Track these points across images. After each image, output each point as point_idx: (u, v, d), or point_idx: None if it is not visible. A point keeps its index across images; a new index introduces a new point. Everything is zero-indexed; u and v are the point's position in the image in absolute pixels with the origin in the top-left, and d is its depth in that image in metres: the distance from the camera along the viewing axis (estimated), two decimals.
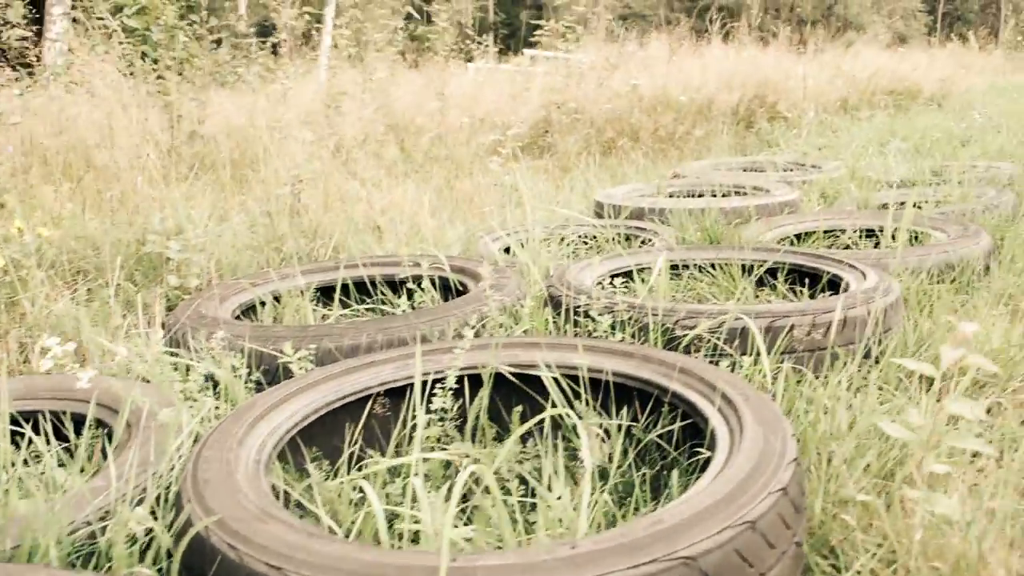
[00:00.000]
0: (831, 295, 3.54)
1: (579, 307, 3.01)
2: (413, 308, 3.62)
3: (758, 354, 2.67)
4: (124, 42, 7.90)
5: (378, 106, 6.97)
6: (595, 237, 4.75)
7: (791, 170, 7.21)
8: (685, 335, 2.77)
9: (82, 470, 2.21)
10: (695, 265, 3.88)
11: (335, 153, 5.48)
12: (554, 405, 2.32)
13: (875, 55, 14.60)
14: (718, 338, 2.72)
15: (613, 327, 2.88)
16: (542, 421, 2.42)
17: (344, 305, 3.78)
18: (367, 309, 3.78)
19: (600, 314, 2.93)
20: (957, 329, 1.83)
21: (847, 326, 2.85)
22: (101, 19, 8.10)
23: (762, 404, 2.03)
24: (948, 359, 1.80)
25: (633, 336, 2.86)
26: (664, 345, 2.81)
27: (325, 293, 3.78)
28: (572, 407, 2.38)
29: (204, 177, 5.16)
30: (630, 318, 2.89)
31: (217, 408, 2.48)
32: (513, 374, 2.47)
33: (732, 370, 2.64)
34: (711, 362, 2.73)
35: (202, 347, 2.73)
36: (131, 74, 8.62)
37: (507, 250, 4.63)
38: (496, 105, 8.20)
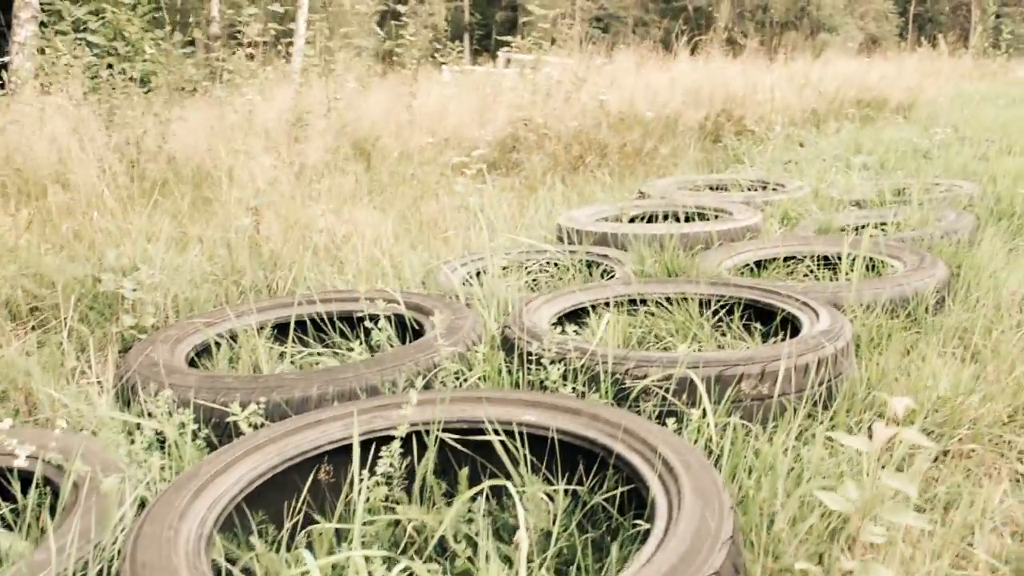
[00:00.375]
0: (784, 336, 3.57)
1: (532, 353, 3.02)
2: (371, 347, 3.62)
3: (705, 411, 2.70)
4: (89, 55, 7.85)
5: (344, 124, 6.94)
6: (557, 264, 4.77)
7: (755, 189, 7.26)
8: (636, 385, 2.78)
9: (29, 530, 2.21)
10: (653, 300, 3.90)
11: (298, 176, 5.46)
12: (499, 466, 2.33)
13: (845, 63, 14.71)
14: (667, 390, 2.74)
15: (565, 376, 2.89)
16: (495, 472, 2.43)
17: (302, 342, 3.77)
18: (324, 346, 3.77)
19: (552, 362, 2.94)
20: (890, 404, 1.85)
21: (797, 373, 2.88)
22: (64, 33, 8.04)
23: (703, 472, 2.05)
24: (879, 438, 1.82)
25: (585, 385, 2.88)
26: (615, 395, 2.83)
27: (282, 330, 3.76)
28: (520, 464, 2.39)
29: (164, 203, 5.12)
30: (582, 366, 2.90)
31: (164, 470, 2.47)
32: (461, 432, 2.47)
33: (680, 423, 2.66)
34: (660, 416, 2.75)
35: (152, 401, 2.72)
36: (95, 89, 8.57)
37: (473, 277, 4.64)
38: (464, 119, 8.19)
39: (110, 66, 8.33)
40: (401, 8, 8.85)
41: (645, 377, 2.79)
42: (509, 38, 9.84)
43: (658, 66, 11.74)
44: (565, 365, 2.93)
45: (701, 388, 2.55)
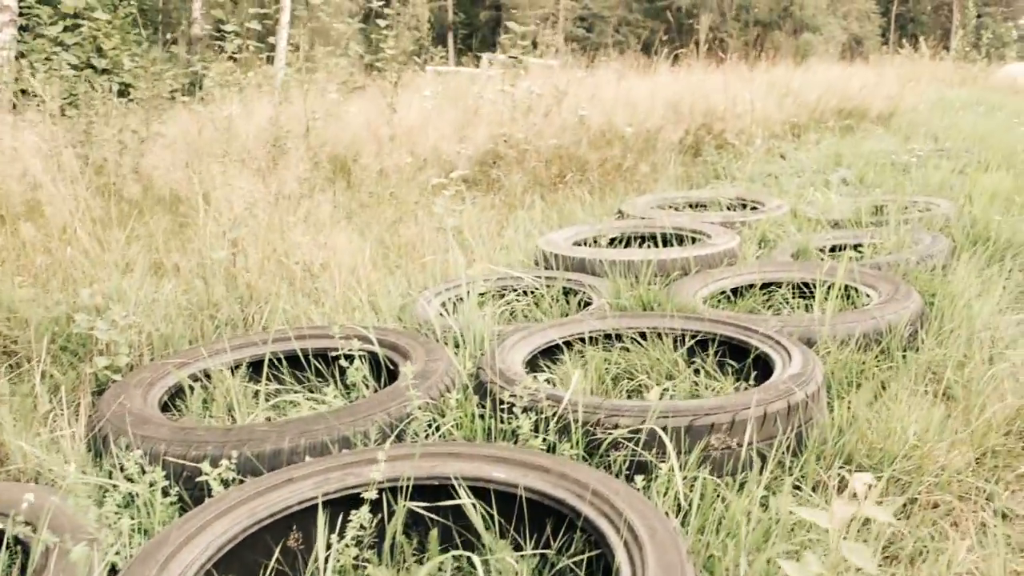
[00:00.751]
0: (757, 376, 3.60)
1: (504, 401, 3.03)
2: (346, 386, 3.62)
3: (678, 458, 2.72)
4: (67, 67, 7.80)
5: (322, 144, 6.93)
6: (536, 291, 4.79)
7: (735, 207, 7.29)
8: (608, 436, 2.79)
9: None
10: (628, 336, 3.91)
11: (276, 200, 5.45)
12: (469, 526, 2.34)
13: (826, 70, 14.78)
14: (637, 442, 2.75)
15: (536, 426, 2.90)
16: (461, 531, 2.45)
17: (277, 379, 3.77)
18: (300, 383, 3.77)
19: (525, 410, 2.95)
20: (851, 482, 1.87)
21: (767, 421, 2.90)
22: (43, 36, 7.98)
23: (667, 540, 2.06)
24: (839, 516, 1.84)
25: (557, 435, 2.89)
26: (586, 446, 2.84)
27: (257, 368, 3.76)
28: (487, 523, 2.40)
29: (139, 229, 5.10)
30: (554, 414, 2.91)
31: (136, 533, 2.47)
32: (431, 489, 2.48)
33: (650, 477, 2.68)
34: (631, 467, 2.76)
35: (123, 455, 2.72)
36: (74, 104, 8.51)
37: (444, 306, 4.65)
38: (444, 132, 8.19)
39: (88, 80, 8.29)
40: (380, 21, 8.76)
41: (616, 427, 2.80)
42: (493, 52, 9.82)
43: (639, 78, 11.76)
44: (537, 414, 2.94)
45: (669, 446, 2.57)
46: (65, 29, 7.94)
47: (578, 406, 2.88)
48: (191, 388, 3.44)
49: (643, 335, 3.91)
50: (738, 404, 2.89)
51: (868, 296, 4.52)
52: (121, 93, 8.82)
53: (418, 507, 2.42)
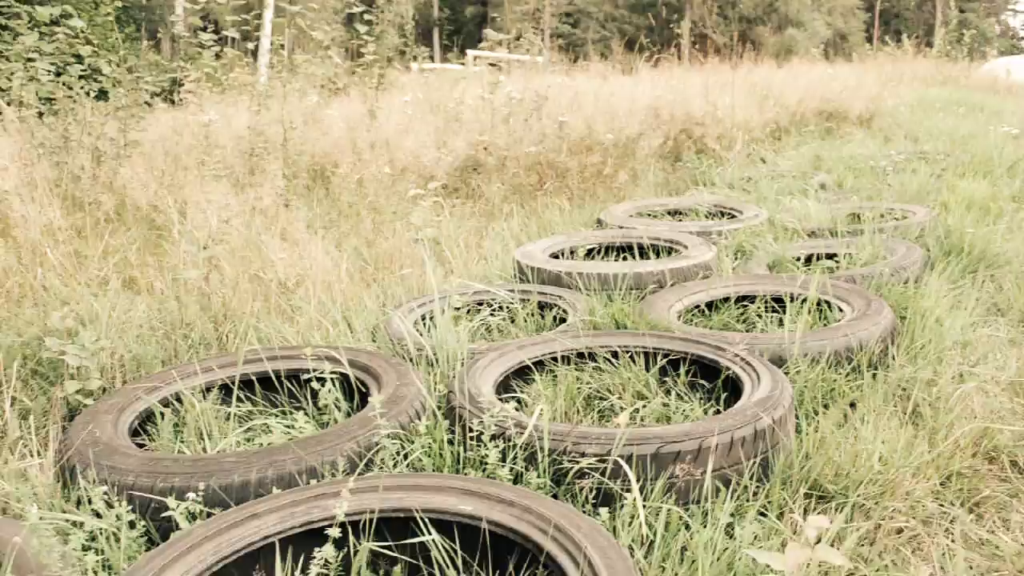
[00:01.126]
0: (727, 397, 3.62)
1: (472, 429, 3.04)
2: (318, 408, 3.63)
3: (645, 485, 2.75)
4: (44, 74, 7.75)
5: (299, 154, 6.92)
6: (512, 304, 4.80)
7: (713, 216, 7.32)
8: (572, 467, 2.81)
9: None
10: (601, 356, 3.93)
11: (252, 213, 5.44)
12: (432, 562, 2.35)
13: (807, 70, 14.82)
14: (603, 472, 2.77)
15: (504, 455, 2.92)
16: (426, 565, 2.46)
17: (250, 401, 3.77)
18: (272, 404, 3.78)
19: (493, 437, 2.96)
20: (803, 530, 1.89)
21: (734, 447, 2.92)
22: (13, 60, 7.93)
23: None
24: (793, 560, 1.86)
25: (525, 463, 2.90)
26: (553, 474, 2.86)
27: (230, 390, 3.76)
28: (451, 557, 2.42)
29: (113, 243, 5.09)
30: (522, 443, 2.93)
31: (101, 571, 2.47)
32: (397, 521, 2.50)
33: (614, 509, 2.70)
34: (597, 495, 2.78)
35: (90, 489, 2.72)
36: (53, 112, 8.47)
37: (421, 320, 4.65)
38: (425, 141, 8.19)
39: (66, 84, 8.24)
40: (360, 26, 8.74)
41: (583, 455, 2.82)
42: (479, 48, 9.84)
43: (622, 79, 11.76)
44: (505, 441, 2.95)
45: (632, 478, 2.58)
46: (41, 36, 7.88)
47: (545, 434, 2.89)
48: (161, 414, 3.43)
49: (615, 354, 3.93)
50: (704, 431, 2.91)
51: (841, 310, 4.55)
52: (100, 95, 8.77)
53: (379, 546, 2.43)
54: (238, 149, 6.80)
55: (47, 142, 7.42)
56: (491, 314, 4.83)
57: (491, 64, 9.24)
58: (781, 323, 4.50)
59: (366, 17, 9.45)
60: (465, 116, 8.75)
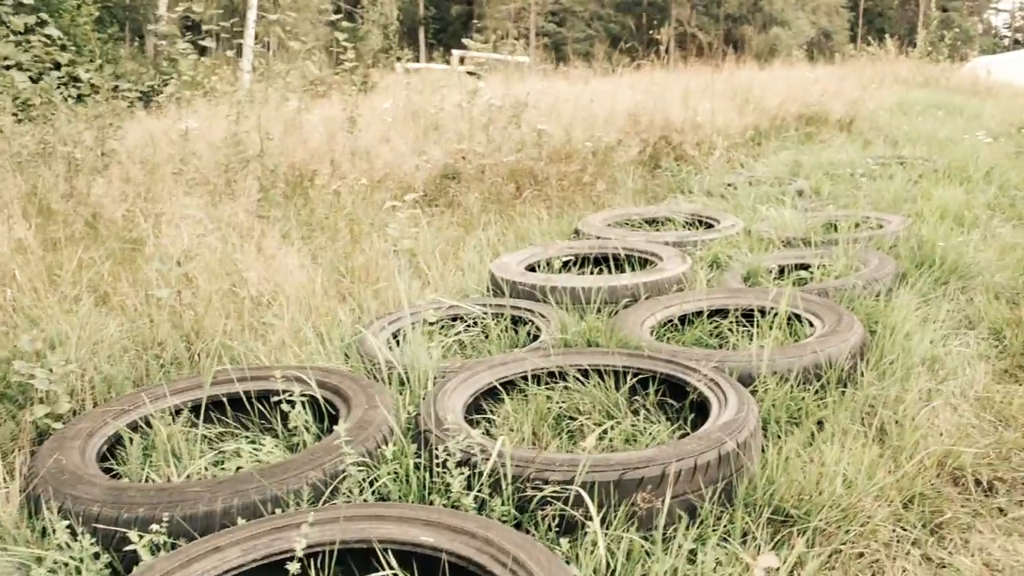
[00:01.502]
0: (695, 418, 3.64)
1: (438, 455, 3.05)
2: (288, 430, 3.64)
3: (608, 511, 2.77)
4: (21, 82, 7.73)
5: (276, 166, 6.92)
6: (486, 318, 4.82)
7: (690, 225, 7.36)
8: (536, 495, 2.82)
9: None
10: (571, 375, 3.95)
11: (227, 226, 5.44)
12: None
13: (787, 74, 14.87)
14: (566, 500, 2.79)
15: (470, 483, 2.93)
16: None
17: (220, 422, 3.77)
18: (243, 426, 3.78)
19: (459, 464, 2.98)
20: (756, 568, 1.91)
21: (698, 472, 2.94)
22: None
23: None
24: None
25: (491, 490, 2.91)
26: (517, 503, 2.87)
27: (200, 411, 3.76)
28: None
29: (86, 257, 5.08)
30: (486, 471, 2.94)
31: None
32: (359, 553, 2.51)
33: (576, 539, 2.72)
34: (561, 523, 2.80)
35: (55, 520, 2.72)
36: (31, 118, 8.44)
37: (395, 336, 4.67)
38: (403, 150, 8.19)
39: (44, 91, 8.22)
40: (339, 34, 8.73)
41: (546, 483, 2.84)
42: (464, 47, 9.84)
43: (603, 83, 11.78)
44: (471, 468, 2.97)
45: (592, 510, 2.60)
46: (17, 45, 7.84)
47: (508, 461, 2.91)
48: (130, 439, 3.43)
49: (586, 373, 3.95)
50: (668, 456, 2.93)
51: (812, 325, 4.58)
52: (79, 100, 8.74)
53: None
54: (215, 160, 6.78)
55: (23, 150, 7.41)
56: (465, 329, 4.85)
57: (470, 73, 9.23)
58: (754, 338, 4.53)
59: (345, 25, 9.46)
60: (444, 123, 8.76)
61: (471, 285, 5.76)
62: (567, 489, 2.80)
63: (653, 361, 3.92)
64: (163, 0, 31.44)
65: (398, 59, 18.02)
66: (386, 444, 3.21)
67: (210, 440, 3.68)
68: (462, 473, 2.94)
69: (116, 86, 8.25)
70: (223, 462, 3.49)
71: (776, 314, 4.57)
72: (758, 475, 3.13)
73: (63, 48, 8.31)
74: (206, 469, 3.42)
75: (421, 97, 10.78)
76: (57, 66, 8.44)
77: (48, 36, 7.73)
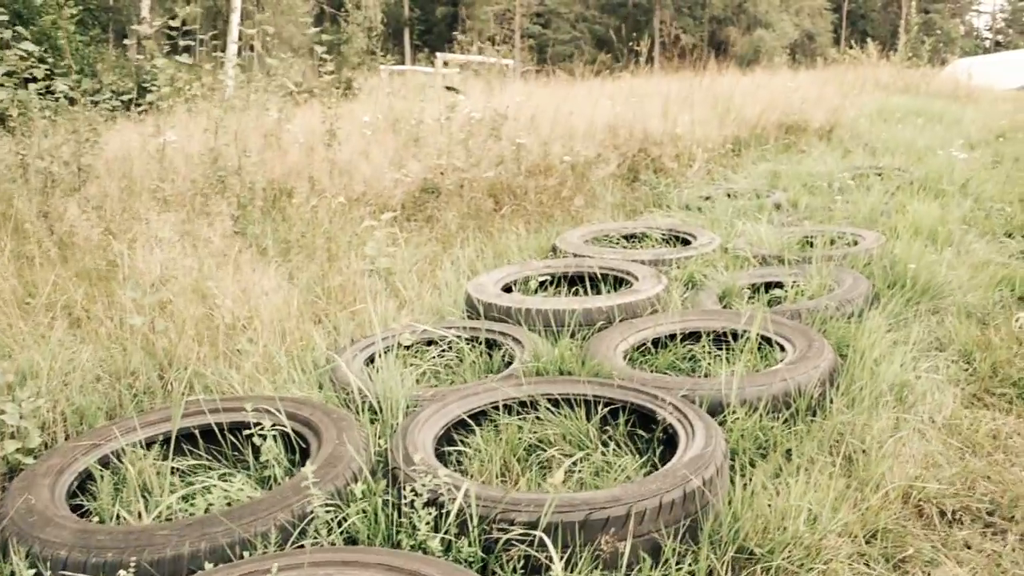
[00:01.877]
0: (663, 450, 3.67)
1: (406, 496, 3.07)
2: (260, 463, 3.65)
3: (574, 552, 2.80)
4: None
5: (252, 184, 6.92)
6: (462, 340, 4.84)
7: (667, 240, 7.40)
8: (502, 537, 2.85)
9: None
10: (543, 405, 3.97)
11: (203, 249, 5.44)
12: None
13: (768, 80, 14.93)
14: (530, 542, 2.81)
15: (436, 525, 2.95)
16: None
17: (192, 454, 3.78)
18: (214, 458, 3.79)
19: (427, 504, 3.00)
20: None
21: (662, 511, 2.97)
22: None
23: None
24: None
25: (458, 530, 2.94)
26: (483, 544, 2.89)
27: (173, 443, 3.77)
28: None
29: (61, 279, 5.07)
30: (453, 511, 2.96)
31: None
32: None
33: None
34: (526, 564, 2.82)
35: (23, 564, 2.73)
36: (10, 131, 8.39)
37: (370, 360, 4.68)
38: (382, 165, 8.20)
39: (21, 102, 8.17)
40: (319, 47, 8.73)
41: (512, 523, 2.86)
42: (449, 50, 9.85)
43: (582, 96, 11.81)
44: (438, 508, 2.99)
45: (554, 554, 2.63)
46: None
47: (473, 502, 2.93)
48: (101, 475, 3.44)
49: (556, 403, 3.98)
50: (633, 495, 2.96)
51: (784, 349, 4.62)
52: (58, 112, 8.71)
53: None
54: (191, 178, 6.78)
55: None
56: (440, 353, 4.87)
57: (449, 88, 9.24)
58: (727, 362, 4.56)
59: (326, 39, 9.45)
60: (424, 137, 8.77)
61: (447, 306, 5.77)
62: (534, 529, 2.82)
63: (623, 391, 3.95)
64: (146, 2, 31.34)
65: (381, 63, 18.10)
66: (355, 482, 3.23)
67: (182, 473, 3.69)
68: (430, 513, 2.96)
69: (96, 101, 8.21)
70: (194, 496, 3.50)
71: (748, 338, 4.61)
72: (724, 511, 3.16)
73: (41, 60, 8.28)
74: (178, 503, 3.43)
75: (404, 103, 10.79)
76: (35, 79, 8.41)
77: (26, 51, 7.70)
